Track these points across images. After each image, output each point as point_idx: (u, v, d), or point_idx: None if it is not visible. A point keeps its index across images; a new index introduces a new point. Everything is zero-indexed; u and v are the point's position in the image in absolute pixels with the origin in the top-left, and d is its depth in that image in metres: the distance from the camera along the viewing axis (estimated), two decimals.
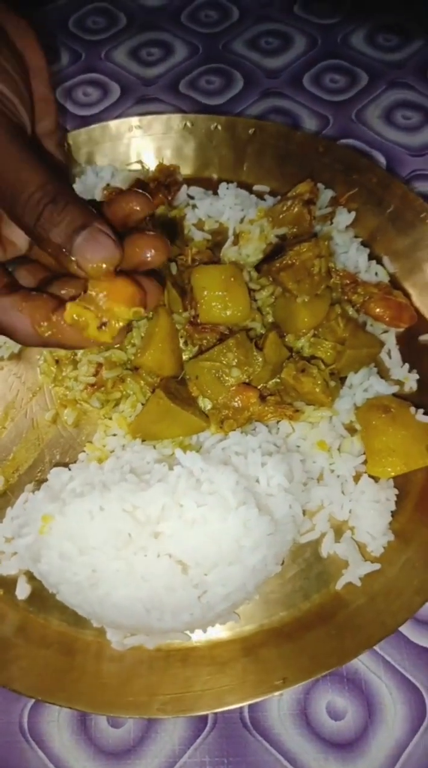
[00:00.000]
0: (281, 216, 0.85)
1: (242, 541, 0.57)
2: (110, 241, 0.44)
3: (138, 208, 0.50)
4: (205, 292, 0.72)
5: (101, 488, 0.59)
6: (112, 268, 0.45)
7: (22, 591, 0.69)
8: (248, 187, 0.94)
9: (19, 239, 0.54)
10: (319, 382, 0.71)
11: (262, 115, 1.06)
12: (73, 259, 0.44)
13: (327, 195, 0.91)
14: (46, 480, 0.72)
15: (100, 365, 0.76)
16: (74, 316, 0.46)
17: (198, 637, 0.66)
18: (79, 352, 0.77)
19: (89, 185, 0.92)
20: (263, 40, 1.15)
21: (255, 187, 0.95)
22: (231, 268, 0.73)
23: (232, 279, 0.72)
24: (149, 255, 0.48)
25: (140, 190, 0.52)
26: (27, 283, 0.52)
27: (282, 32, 1.16)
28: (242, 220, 0.90)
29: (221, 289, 0.72)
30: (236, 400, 0.69)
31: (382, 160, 1.00)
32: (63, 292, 0.49)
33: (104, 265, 0.44)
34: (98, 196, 0.90)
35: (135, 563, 0.56)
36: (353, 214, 0.89)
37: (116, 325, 0.47)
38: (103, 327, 0.46)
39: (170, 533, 0.56)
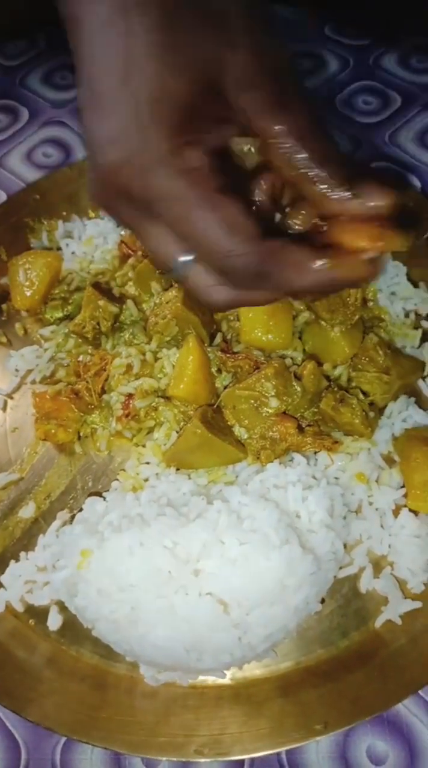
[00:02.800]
0: None
1: (285, 580, 0.56)
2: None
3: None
4: (250, 314, 0.71)
5: (140, 523, 0.57)
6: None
7: (54, 622, 0.68)
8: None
9: None
10: (359, 413, 0.69)
11: None
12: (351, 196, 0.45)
13: None
14: (79, 508, 0.71)
15: (130, 396, 0.75)
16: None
17: (233, 674, 0.65)
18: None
19: None
20: (295, 61, 1.15)
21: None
22: None
23: (280, 305, 0.71)
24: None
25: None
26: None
27: (314, 53, 1.16)
28: None
29: (267, 314, 0.71)
30: (274, 430, 0.68)
31: (417, 183, 0.98)
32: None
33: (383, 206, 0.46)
34: None
35: (176, 602, 0.54)
36: None
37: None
38: None
39: (211, 571, 0.55)
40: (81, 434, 0.78)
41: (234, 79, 0.48)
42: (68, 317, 0.84)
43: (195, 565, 0.55)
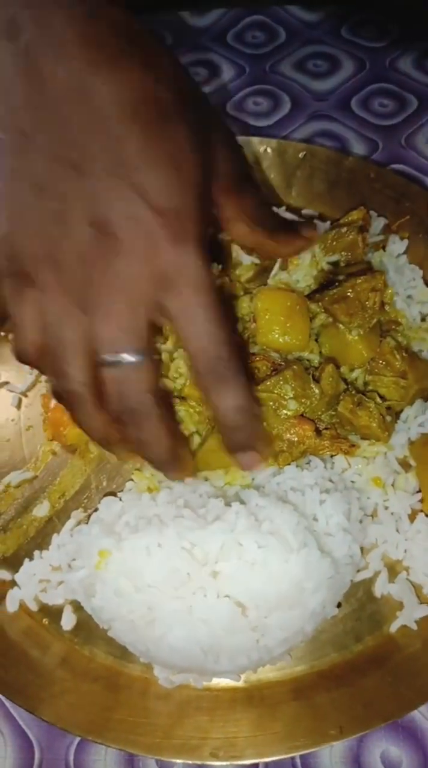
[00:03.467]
0: (333, 243, 0.83)
1: (303, 584, 0.55)
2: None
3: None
4: (267, 315, 0.71)
5: (158, 524, 0.57)
6: None
7: (68, 621, 0.68)
8: (296, 212, 0.93)
9: None
10: (376, 416, 0.69)
11: (309, 138, 1.05)
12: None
13: (379, 223, 0.89)
14: (93, 508, 0.71)
15: None
16: None
17: (246, 677, 0.64)
18: None
19: None
20: (311, 63, 1.15)
21: (304, 212, 0.94)
22: (298, 296, 0.72)
23: (297, 307, 0.71)
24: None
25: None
26: None
27: (330, 55, 1.15)
28: None
29: (284, 315, 0.71)
30: (291, 432, 0.68)
31: None
32: None
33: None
34: None
35: (194, 603, 0.54)
36: (405, 242, 0.88)
37: None
38: None
39: (229, 573, 0.55)
40: None
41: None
42: None
43: (213, 567, 0.55)
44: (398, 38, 1.16)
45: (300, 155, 0.95)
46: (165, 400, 0.57)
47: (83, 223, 0.47)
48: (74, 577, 0.60)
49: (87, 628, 0.67)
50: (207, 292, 0.49)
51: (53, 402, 0.77)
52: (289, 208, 0.93)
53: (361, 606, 0.68)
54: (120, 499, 0.66)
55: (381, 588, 0.68)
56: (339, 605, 0.63)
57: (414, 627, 0.66)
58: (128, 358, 0.50)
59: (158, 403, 0.52)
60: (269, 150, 0.96)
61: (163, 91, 0.48)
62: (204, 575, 0.55)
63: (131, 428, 0.53)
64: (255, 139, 0.96)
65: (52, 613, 0.69)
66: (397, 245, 0.87)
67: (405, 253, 0.87)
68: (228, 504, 0.60)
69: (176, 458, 0.57)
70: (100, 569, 0.56)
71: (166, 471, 0.58)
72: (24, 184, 0.48)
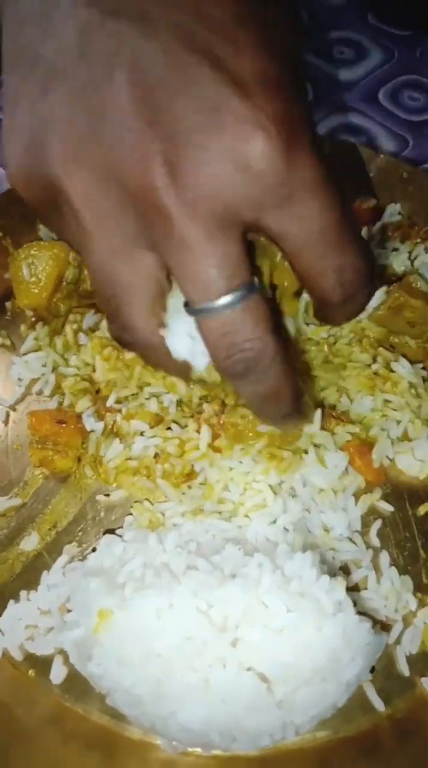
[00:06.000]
0: None
1: (339, 654, 0.47)
2: None
3: None
4: None
5: (169, 578, 0.49)
6: None
7: (58, 674, 0.59)
8: None
9: None
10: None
11: (333, 132, 0.96)
12: None
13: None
14: (89, 543, 0.63)
15: None
16: None
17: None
18: None
19: None
20: (336, 50, 1.06)
21: None
22: None
23: None
24: None
25: None
26: None
27: (355, 41, 1.07)
28: None
29: None
30: None
31: None
32: None
33: None
34: None
35: (210, 677, 0.46)
36: None
37: None
38: None
39: (252, 641, 0.47)
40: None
41: None
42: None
43: (234, 634, 0.47)
44: None
45: (325, 150, 0.86)
46: (282, 336, 0.45)
47: (132, 112, 0.35)
48: (68, 637, 0.51)
49: (80, 681, 0.58)
50: (328, 206, 0.38)
51: (48, 414, 0.69)
52: None
53: (390, 662, 0.60)
54: (122, 539, 0.58)
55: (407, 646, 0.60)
56: (372, 670, 0.55)
57: None
58: (227, 299, 0.39)
59: (278, 345, 0.42)
60: None
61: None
62: (223, 643, 0.46)
63: (250, 384, 0.43)
64: None
65: (40, 664, 0.59)
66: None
67: None
68: (249, 554, 0.51)
69: (302, 408, 0.48)
70: (98, 632, 0.47)
71: (289, 423, 0.50)
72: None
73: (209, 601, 0.47)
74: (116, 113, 0.35)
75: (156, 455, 0.65)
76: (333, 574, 0.54)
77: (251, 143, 0.35)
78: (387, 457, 0.68)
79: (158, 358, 0.44)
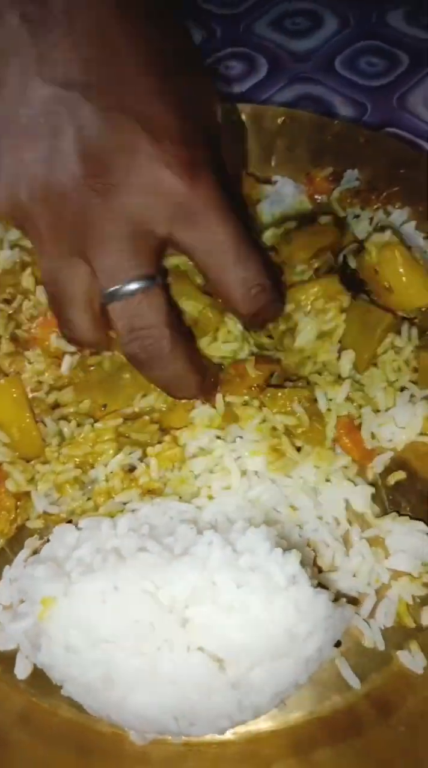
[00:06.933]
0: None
1: (294, 629, 0.45)
2: None
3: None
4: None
5: (115, 560, 0.47)
6: None
7: (23, 669, 0.57)
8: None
9: None
10: None
11: (290, 103, 0.94)
12: None
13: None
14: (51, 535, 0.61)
15: None
16: None
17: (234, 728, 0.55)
18: None
19: None
20: (289, 21, 1.03)
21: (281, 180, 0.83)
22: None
23: None
24: None
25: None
26: None
27: (309, 11, 1.04)
28: None
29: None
30: None
31: None
32: None
33: None
34: None
35: (159, 660, 0.44)
36: (406, 209, 0.77)
37: None
38: None
39: (201, 621, 0.45)
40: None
41: None
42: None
43: (182, 614, 0.45)
44: None
45: (279, 121, 0.84)
46: (181, 328, 0.56)
47: (74, 158, 0.48)
48: (17, 627, 0.49)
49: (46, 676, 0.56)
50: (226, 221, 0.50)
51: None
52: (268, 181, 0.82)
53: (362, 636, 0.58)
54: (77, 528, 0.56)
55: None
56: (337, 644, 0.53)
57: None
58: (131, 286, 0.49)
59: (177, 337, 0.51)
60: (243, 117, 0.85)
61: (172, 46, 0.52)
62: (171, 624, 0.44)
63: (151, 368, 0.53)
64: (226, 107, 0.84)
65: (5, 660, 0.58)
66: (396, 215, 0.77)
67: (408, 221, 0.77)
68: (200, 532, 0.49)
69: (205, 390, 0.58)
70: (44, 620, 0.46)
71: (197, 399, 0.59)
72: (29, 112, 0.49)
73: (156, 582, 0.45)
74: (65, 161, 0.48)
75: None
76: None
77: (159, 174, 0.48)
78: (372, 433, 0.66)
79: (91, 343, 0.57)
